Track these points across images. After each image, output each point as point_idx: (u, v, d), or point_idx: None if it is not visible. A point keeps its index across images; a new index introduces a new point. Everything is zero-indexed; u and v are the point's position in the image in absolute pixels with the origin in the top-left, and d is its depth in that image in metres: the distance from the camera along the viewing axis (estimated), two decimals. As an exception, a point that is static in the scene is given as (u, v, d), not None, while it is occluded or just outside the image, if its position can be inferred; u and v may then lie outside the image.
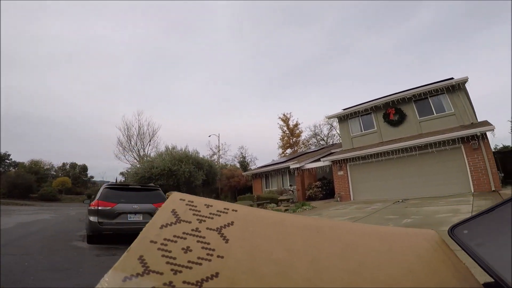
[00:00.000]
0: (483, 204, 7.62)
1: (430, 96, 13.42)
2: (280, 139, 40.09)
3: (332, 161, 14.63)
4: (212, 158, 34.76)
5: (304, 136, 39.63)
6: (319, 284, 0.43)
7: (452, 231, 0.63)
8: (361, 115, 15.61)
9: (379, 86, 52.31)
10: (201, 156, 20.96)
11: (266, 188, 20.82)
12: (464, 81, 12.29)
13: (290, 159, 21.09)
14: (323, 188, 15.99)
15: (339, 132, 16.58)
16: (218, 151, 33.81)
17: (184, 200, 0.53)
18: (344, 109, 16.29)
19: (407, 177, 12.38)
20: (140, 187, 7.97)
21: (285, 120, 39.65)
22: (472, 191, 10.67)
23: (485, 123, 11.33)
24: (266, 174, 20.65)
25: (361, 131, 15.47)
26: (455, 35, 50.36)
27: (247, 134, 59.28)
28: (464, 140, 10.97)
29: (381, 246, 0.57)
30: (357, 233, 0.60)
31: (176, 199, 0.53)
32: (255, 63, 63.17)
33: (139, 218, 6.43)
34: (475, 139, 10.74)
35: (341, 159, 14.20)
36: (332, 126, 37.46)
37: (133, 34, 58.20)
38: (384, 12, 51.37)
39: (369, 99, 15.49)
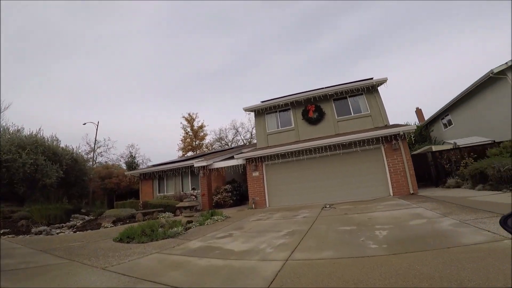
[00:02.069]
0: (428, 207, 6.45)
1: (349, 96, 12.96)
2: (182, 141, 35.76)
3: (246, 159, 12.11)
4: (89, 156, 27.12)
5: (208, 139, 36.64)
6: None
7: (505, 222, 0.71)
8: (279, 110, 13.95)
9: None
10: (62, 146, 14.69)
11: (160, 192, 16.54)
12: (384, 81, 12.19)
13: (195, 157, 17.56)
14: (233, 192, 13.25)
15: (255, 128, 14.31)
16: (95, 143, 26.43)
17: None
18: (262, 102, 14.31)
19: (326, 179, 11.08)
20: None
21: (190, 120, 35.89)
22: (391, 194, 10.09)
23: (398, 126, 11.29)
24: (160, 175, 16.37)
25: (278, 127, 13.73)
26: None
27: (142, 132, 51.35)
28: (384, 140, 10.42)
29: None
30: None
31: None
32: (165, 60, 56.29)
33: None
34: (396, 139, 10.32)
35: (257, 157, 11.87)
36: (238, 131, 36.04)
37: None
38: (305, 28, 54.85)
39: (289, 93, 14.04)
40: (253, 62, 58.93)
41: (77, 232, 8.19)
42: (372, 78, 12.52)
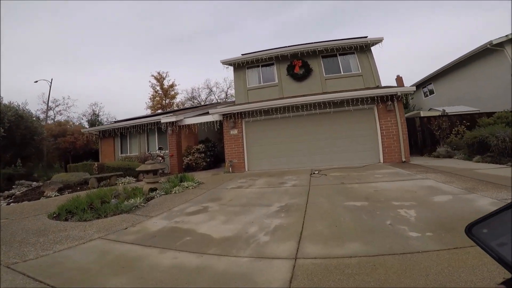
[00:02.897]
0: (438, 179, 5.56)
1: (339, 54, 11.51)
2: (150, 99, 32.59)
3: (224, 115, 10.47)
4: (48, 115, 23.69)
5: (179, 98, 33.72)
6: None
7: (469, 230, 0.62)
8: (262, 65, 12.19)
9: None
10: (5, 103, 11.87)
11: (122, 153, 14.56)
12: (379, 40, 10.86)
13: (163, 113, 15.45)
14: (207, 153, 11.75)
15: (232, 85, 12.50)
16: (48, 100, 22.91)
17: None
18: (243, 54, 12.30)
19: (313, 140, 9.95)
20: None
21: (160, 79, 32.55)
22: (382, 161, 9.29)
23: (392, 87, 10.23)
24: (122, 133, 14.25)
25: (260, 83, 12.05)
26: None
27: (109, 92, 46.30)
28: (380, 100, 9.31)
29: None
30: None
31: None
32: (136, 21, 48.83)
33: None
34: (393, 100, 9.25)
35: (236, 113, 10.27)
36: (212, 91, 33.45)
37: None
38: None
39: (275, 47, 12.16)
40: (229, 25, 53.75)
41: (11, 204, 6.42)
42: (366, 37, 11.05)
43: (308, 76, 11.44)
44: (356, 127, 9.71)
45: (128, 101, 49.58)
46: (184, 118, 11.56)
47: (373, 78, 10.97)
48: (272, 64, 12.14)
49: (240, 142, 10.30)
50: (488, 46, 11.78)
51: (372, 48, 11.28)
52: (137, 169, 7.74)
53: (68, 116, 29.34)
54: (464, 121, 10.44)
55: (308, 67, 11.47)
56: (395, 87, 9.61)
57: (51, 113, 28.30)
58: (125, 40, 50.58)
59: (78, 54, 46.39)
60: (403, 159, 9.02)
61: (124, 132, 14.13)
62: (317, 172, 7.92)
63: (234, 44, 50.79)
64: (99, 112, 30.71)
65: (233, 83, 33.93)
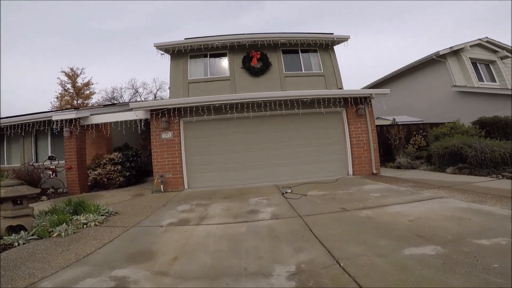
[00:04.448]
0: (457, 196, 4.16)
1: (301, 51, 10.11)
2: (57, 98, 25.86)
3: (152, 111, 7.51)
4: None
5: (96, 99, 27.81)
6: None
7: None
8: (210, 55, 9.79)
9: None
10: None
11: (0, 164, 9.91)
12: (345, 39, 9.80)
13: (64, 110, 11.19)
14: (125, 165, 8.42)
15: (169, 76, 9.57)
16: None
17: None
18: (186, 39, 9.60)
19: (273, 148, 7.93)
20: None
21: (72, 76, 26.15)
22: (351, 173, 7.87)
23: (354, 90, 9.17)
24: (1, 135, 9.61)
25: (206, 75, 9.57)
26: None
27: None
28: (351, 103, 7.97)
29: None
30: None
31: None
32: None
33: None
34: (365, 104, 8.02)
35: (172, 109, 7.46)
36: (138, 91, 28.78)
37: None
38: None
39: (228, 33, 9.89)
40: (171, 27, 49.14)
41: None
42: (332, 33, 9.84)
43: (267, 71, 9.56)
44: (322, 133, 8.11)
45: (28, 100, 39.15)
46: (91, 115, 8.03)
47: (335, 79, 9.79)
48: (225, 54, 9.89)
49: (177, 149, 7.50)
50: (434, 57, 12.03)
51: (335, 47, 10.20)
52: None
53: None
54: (421, 131, 10.08)
55: (267, 61, 9.61)
56: (369, 88, 8.52)
57: None
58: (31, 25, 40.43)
59: None
60: (374, 171, 7.77)
61: (3, 134, 9.54)
62: (289, 190, 5.84)
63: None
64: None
65: (164, 85, 30.14)
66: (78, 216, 4.05)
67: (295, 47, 9.95)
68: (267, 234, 3.18)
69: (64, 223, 3.83)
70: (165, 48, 9.49)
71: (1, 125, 9.22)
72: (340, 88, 9.58)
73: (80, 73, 26.76)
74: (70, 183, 7.72)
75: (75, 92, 26.72)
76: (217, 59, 9.88)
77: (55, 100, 26.11)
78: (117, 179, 8.05)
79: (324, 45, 9.88)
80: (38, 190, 4.18)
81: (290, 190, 5.83)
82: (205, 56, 9.80)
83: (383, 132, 10.28)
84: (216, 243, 2.98)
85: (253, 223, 3.65)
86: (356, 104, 8.00)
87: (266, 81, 9.50)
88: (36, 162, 9.29)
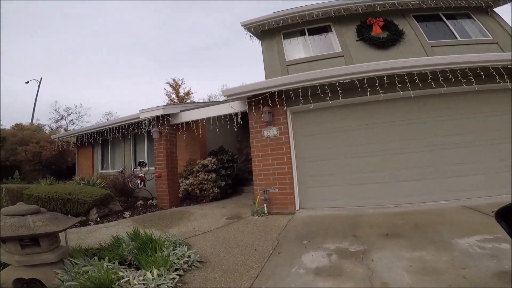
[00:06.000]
0: None
1: (445, 17, 6.92)
2: None
3: (250, 98, 5.47)
4: (59, 125, 22.94)
5: (196, 107, 30.52)
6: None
7: (501, 216, 0.64)
8: (307, 29, 7.56)
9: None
10: None
11: (104, 168, 10.19)
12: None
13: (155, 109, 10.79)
14: (220, 172, 6.81)
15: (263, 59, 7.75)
16: (34, 104, 18.97)
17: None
18: (275, 12, 7.65)
19: (438, 146, 4.88)
20: None
21: (175, 86, 28.95)
22: None
23: None
24: (104, 140, 9.73)
25: (309, 54, 7.35)
26: None
27: (124, 103, 43.23)
28: None
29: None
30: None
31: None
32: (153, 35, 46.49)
33: None
34: None
35: (274, 92, 5.30)
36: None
37: None
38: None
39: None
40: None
41: None
42: None
43: (398, 42, 6.69)
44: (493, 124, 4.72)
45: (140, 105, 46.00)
46: (181, 111, 6.73)
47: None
48: (326, 26, 7.52)
49: (284, 151, 5.32)
50: None
51: (497, 10, 6.77)
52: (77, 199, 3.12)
53: (81, 126, 26.46)
54: None
55: (396, 28, 6.77)
56: None
57: (63, 122, 25.86)
58: (140, 50, 47.62)
59: (91, 64, 43.56)
60: None
61: (104, 139, 9.60)
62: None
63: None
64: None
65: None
66: (130, 274, 2.24)
67: (434, 11, 6.88)
68: None
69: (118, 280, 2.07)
70: (254, 27, 7.70)
71: (103, 128, 9.14)
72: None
73: (181, 83, 29.39)
74: (160, 194, 6.54)
75: (179, 101, 29.19)
76: (317, 33, 7.59)
77: (163, 110, 29.51)
78: (211, 190, 6.48)
79: (483, 7, 6.49)
80: (77, 219, 2.66)
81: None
82: (302, 31, 7.67)
83: None
84: None
85: None
86: None
87: (400, 53, 6.55)
88: (135, 166, 8.80)
